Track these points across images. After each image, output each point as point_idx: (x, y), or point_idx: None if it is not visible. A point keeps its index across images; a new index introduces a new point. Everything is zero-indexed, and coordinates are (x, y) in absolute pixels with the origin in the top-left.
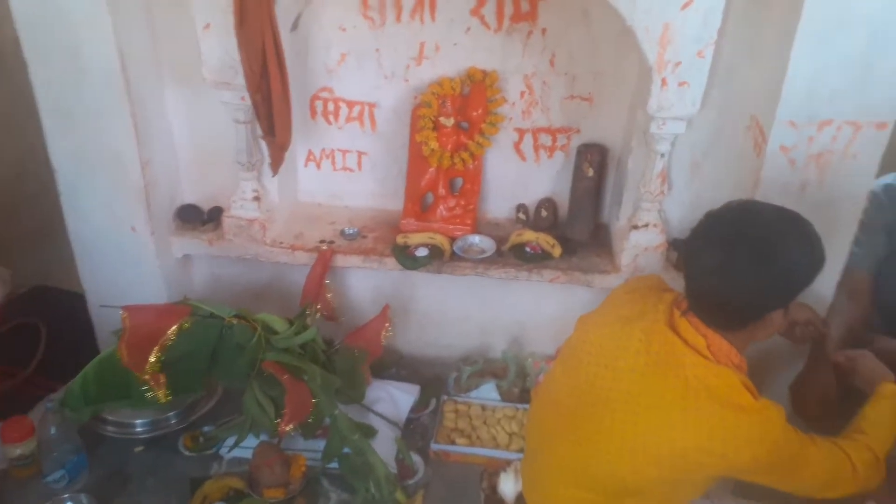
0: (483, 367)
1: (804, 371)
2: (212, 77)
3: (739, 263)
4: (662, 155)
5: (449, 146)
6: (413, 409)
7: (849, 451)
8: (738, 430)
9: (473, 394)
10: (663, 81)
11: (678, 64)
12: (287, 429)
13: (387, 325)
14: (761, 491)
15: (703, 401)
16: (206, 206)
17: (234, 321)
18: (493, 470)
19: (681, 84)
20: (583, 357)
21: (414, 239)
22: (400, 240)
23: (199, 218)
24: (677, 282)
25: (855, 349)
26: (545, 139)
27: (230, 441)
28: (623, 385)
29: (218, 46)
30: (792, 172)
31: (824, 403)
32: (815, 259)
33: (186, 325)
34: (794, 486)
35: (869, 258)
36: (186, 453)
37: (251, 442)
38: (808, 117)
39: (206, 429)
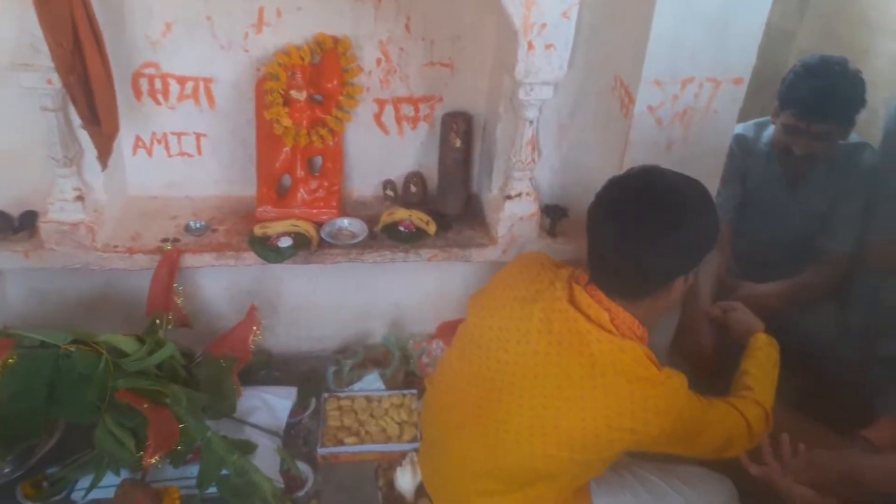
0: (364, 357)
1: (681, 326)
2: (5, 58)
3: (649, 229)
4: (531, 122)
5: (304, 122)
6: (292, 413)
7: (742, 410)
8: (646, 403)
9: (356, 386)
10: (530, 45)
11: (544, 26)
12: (152, 461)
13: (255, 328)
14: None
15: (610, 377)
16: (15, 211)
17: (73, 348)
18: (387, 465)
19: (547, 47)
20: (482, 343)
21: (274, 228)
22: (258, 230)
23: (9, 226)
24: (552, 248)
25: (727, 301)
26: (407, 109)
27: (85, 482)
28: (528, 369)
29: (9, 20)
30: (659, 131)
31: (706, 355)
32: (716, 222)
33: (11, 361)
34: (697, 450)
35: (726, 207)
36: None
37: (111, 480)
38: (672, 76)
39: (50, 471)
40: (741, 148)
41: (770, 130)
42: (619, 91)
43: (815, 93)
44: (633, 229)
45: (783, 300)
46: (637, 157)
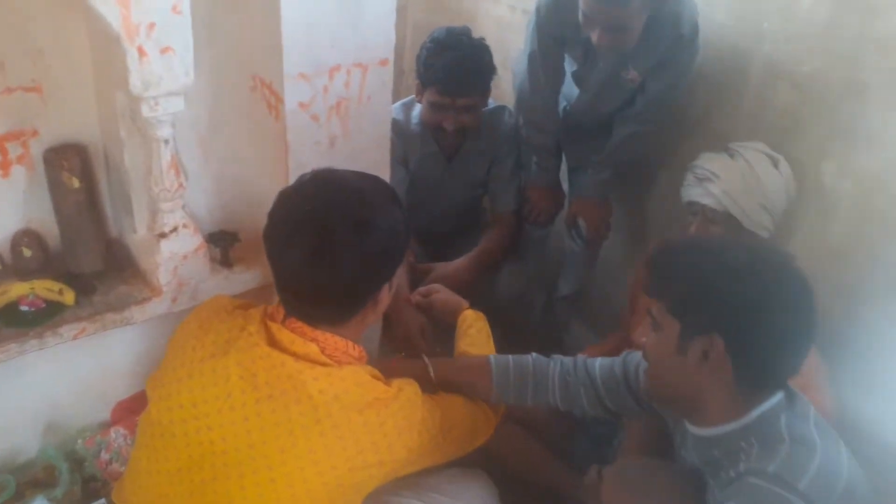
0: (18, 484)
1: (388, 322)
2: None
3: (338, 242)
4: (167, 141)
5: None
6: None
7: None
8: (384, 427)
9: None
10: (141, 50)
11: (152, 26)
12: None
13: None
14: None
15: (337, 416)
16: None
17: None
18: None
19: (164, 50)
20: (175, 429)
21: None
22: None
23: None
24: (231, 281)
25: (428, 285)
26: None
27: None
28: (240, 441)
29: None
30: (317, 129)
31: (419, 345)
32: (404, 216)
33: None
34: (448, 453)
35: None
36: None
37: None
38: (316, 67)
39: None
40: (395, 132)
41: (418, 110)
42: (261, 91)
43: (453, 66)
44: (319, 247)
45: (474, 271)
46: (301, 162)
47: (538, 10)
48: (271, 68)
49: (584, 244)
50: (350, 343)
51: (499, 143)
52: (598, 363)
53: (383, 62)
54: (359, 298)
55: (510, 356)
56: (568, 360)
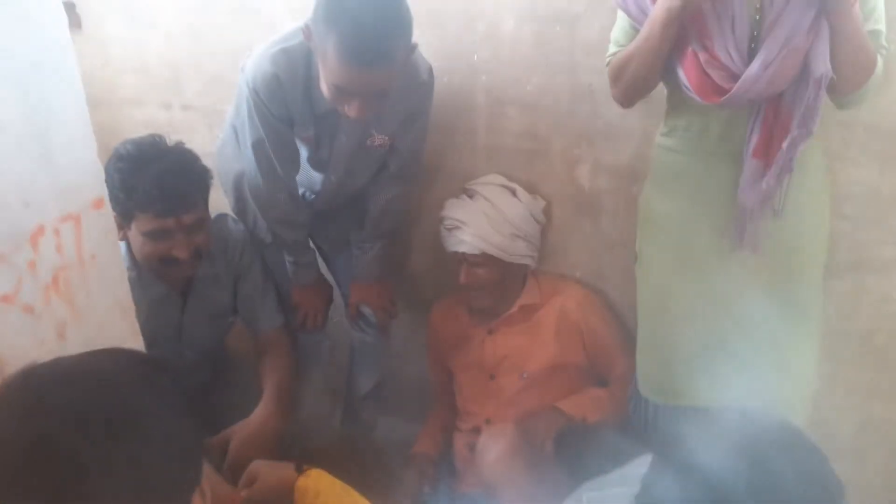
0: None
1: None
2: None
3: (88, 466)
4: None
5: None
6: None
7: None
8: None
9: None
10: None
11: None
12: None
13: None
14: None
15: None
16: None
17: None
18: None
19: None
20: None
21: None
22: None
23: None
24: None
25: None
26: None
27: None
28: None
29: None
30: (35, 323)
31: None
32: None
33: None
34: None
35: None
36: None
37: None
38: (13, 239)
39: None
40: None
41: (122, 249)
42: None
43: (166, 180)
44: (61, 484)
45: (281, 415)
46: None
47: (254, 92)
48: None
49: (375, 331)
50: None
51: (236, 258)
52: None
53: (98, 203)
54: None
55: None
56: None
